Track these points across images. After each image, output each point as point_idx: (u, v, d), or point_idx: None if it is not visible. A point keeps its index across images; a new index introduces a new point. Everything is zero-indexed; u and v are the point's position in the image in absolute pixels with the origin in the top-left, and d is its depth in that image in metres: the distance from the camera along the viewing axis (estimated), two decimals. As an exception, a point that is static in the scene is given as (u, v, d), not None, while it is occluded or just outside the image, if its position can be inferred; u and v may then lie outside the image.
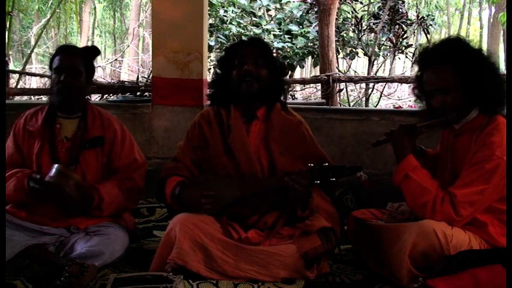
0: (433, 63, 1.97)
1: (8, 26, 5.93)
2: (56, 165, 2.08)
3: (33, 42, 12.69)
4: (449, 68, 1.92)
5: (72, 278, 1.79)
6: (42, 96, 6.87)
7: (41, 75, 8.90)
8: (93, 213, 2.17)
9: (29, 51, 11.36)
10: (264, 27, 8.10)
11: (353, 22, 8.02)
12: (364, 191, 2.09)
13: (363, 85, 7.32)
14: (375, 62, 8.73)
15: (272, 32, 8.07)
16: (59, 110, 2.26)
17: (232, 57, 2.22)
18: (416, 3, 13.33)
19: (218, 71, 2.31)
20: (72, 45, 2.35)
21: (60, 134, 2.24)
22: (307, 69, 14.70)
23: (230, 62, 2.22)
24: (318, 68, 8.12)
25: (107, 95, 4.58)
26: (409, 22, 7.90)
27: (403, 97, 10.59)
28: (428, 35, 8.25)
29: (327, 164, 2.05)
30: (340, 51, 8.29)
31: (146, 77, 5.52)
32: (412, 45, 8.15)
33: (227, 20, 7.98)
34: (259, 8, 8.51)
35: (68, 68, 2.19)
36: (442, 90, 1.93)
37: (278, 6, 8.49)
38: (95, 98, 4.74)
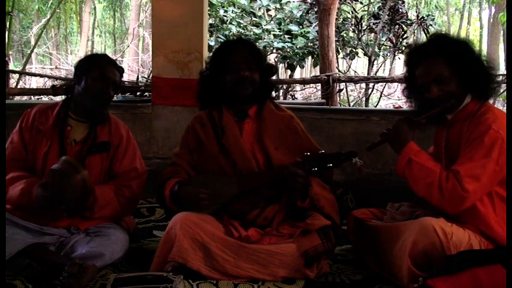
0: (425, 58, 2.01)
1: (8, 26, 5.94)
2: (65, 157, 2.05)
3: (33, 42, 12.70)
4: (442, 58, 1.97)
5: (71, 278, 1.78)
6: (42, 96, 6.89)
7: (41, 75, 8.92)
8: (84, 213, 2.14)
9: (29, 51, 11.36)
10: (264, 27, 8.10)
11: (353, 22, 8.04)
12: (360, 177, 2.09)
13: (363, 85, 7.34)
14: (375, 62, 8.74)
15: (272, 32, 8.07)
16: (75, 113, 2.25)
17: (223, 61, 2.23)
18: (416, 3, 13.35)
19: (207, 73, 2.31)
20: (112, 59, 2.37)
21: (70, 136, 2.23)
22: (307, 69, 14.71)
23: (222, 66, 2.22)
24: (318, 68, 8.13)
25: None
26: (409, 22, 7.92)
27: (403, 97, 10.57)
28: (428, 35, 8.26)
29: (322, 151, 2.08)
30: (340, 51, 8.30)
31: (146, 77, 5.53)
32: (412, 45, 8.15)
33: (227, 20, 7.99)
34: (259, 8, 8.52)
35: (112, 80, 2.22)
36: (438, 80, 1.97)
37: (278, 6, 8.50)
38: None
